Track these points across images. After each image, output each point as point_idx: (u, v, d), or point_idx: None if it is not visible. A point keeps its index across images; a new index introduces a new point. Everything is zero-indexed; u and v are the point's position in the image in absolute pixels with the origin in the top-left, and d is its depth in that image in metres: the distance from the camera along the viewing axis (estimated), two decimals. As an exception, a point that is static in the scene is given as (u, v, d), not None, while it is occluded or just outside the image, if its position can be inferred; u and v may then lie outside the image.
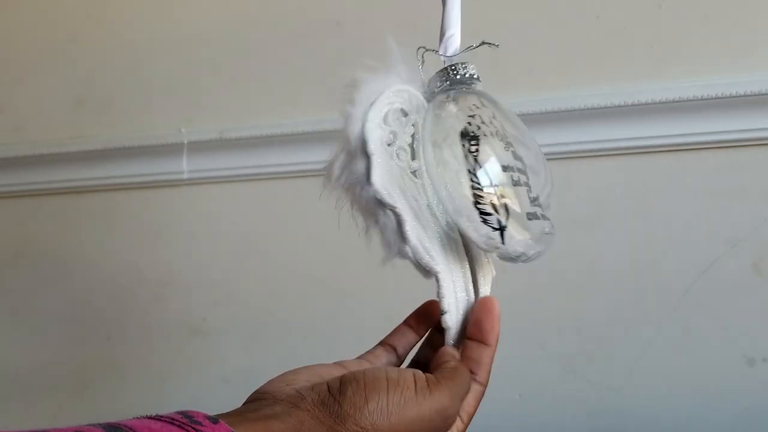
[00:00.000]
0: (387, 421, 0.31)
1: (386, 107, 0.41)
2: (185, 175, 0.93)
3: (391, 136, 0.41)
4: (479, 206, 0.40)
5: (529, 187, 0.42)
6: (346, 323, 0.89)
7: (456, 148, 0.41)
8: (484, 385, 0.40)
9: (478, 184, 0.40)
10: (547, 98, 0.80)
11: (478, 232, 0.40)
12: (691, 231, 0.78)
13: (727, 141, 0.77)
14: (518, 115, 0.45)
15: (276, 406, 0.32)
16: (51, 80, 1.01)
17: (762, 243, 0.77)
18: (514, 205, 0.40)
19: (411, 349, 0.45)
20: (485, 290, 0.44)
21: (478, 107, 0.42)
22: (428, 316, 0.45)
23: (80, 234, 0.99)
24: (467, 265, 0.43)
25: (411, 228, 0.40)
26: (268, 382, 0.36)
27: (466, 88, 0.43)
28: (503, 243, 0.40)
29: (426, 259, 0.41)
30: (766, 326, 0.77)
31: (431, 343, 0.45)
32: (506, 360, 0.84)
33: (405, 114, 0.42)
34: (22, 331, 1.01)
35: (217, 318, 0.94)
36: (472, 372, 0.39)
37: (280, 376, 0.37)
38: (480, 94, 0.44)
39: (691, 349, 0.78)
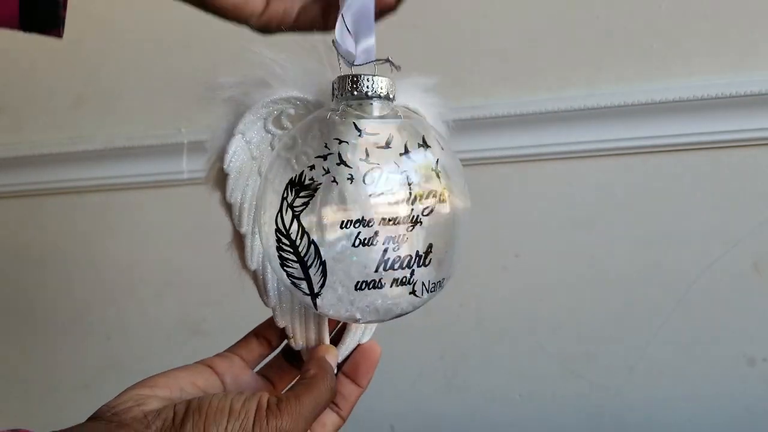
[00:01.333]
0: None
1: (253, 122, 0.38)
2: (185, 175, 0.93)
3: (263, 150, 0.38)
4: (286, 269, 0.35)
5: (395, 245, 0.34)
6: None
7: (275, 197, 0.35)
8: (344, 419, 0.41)
9: (286, 245, 0.34)
10: (547, 98, 0.80)
11: (292, 291, 0.36)
12: (691, 231, 0.78)
13: (727, 141, 0.77)
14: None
15: (120, 431, 0.32)
16: (51, 80, 1.01)
17: (762, 243, 0.77)
18: (335, 272, 0.34)
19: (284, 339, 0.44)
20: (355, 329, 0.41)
21: (341, 141, 0.34)
22: None
23: (80, 234, 0.99)
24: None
25: (250, 255, 0.39)
26: (123, 392, 0.35)
27: (360, 109, 0.36)
28: (316, 309, 0.36)
29: (261, 292, 0.40)
30: (766, 326, 0.77)
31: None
32: (506, 360, 0.84)
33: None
34: (22, 331, 1.01)
35: (217, 318, 0.94)
36: (337, 406, 0.40)
37: (136, 386, 0.36)
38: (372, 119, 0.35)
39: (691, 349, 0.78)
